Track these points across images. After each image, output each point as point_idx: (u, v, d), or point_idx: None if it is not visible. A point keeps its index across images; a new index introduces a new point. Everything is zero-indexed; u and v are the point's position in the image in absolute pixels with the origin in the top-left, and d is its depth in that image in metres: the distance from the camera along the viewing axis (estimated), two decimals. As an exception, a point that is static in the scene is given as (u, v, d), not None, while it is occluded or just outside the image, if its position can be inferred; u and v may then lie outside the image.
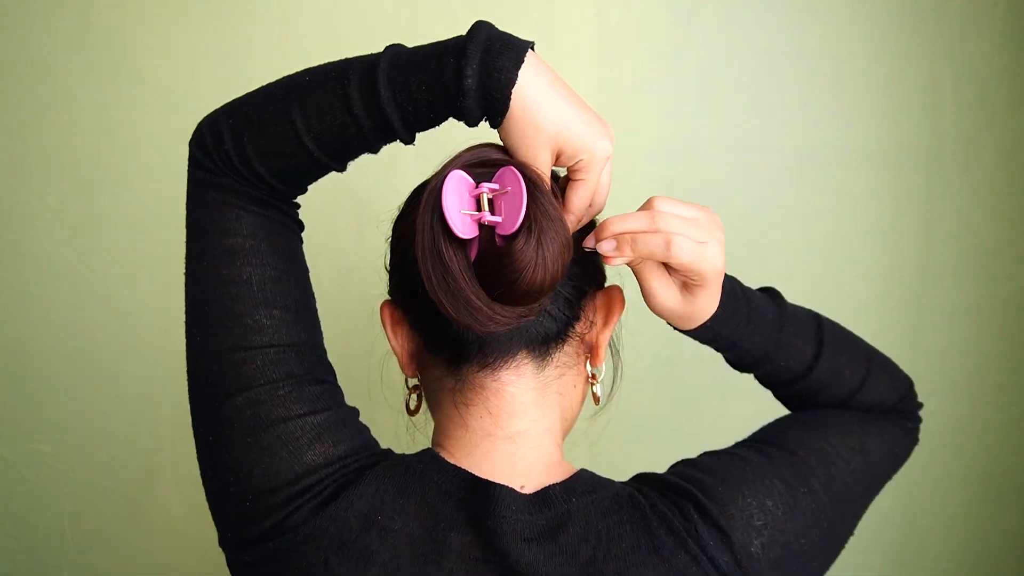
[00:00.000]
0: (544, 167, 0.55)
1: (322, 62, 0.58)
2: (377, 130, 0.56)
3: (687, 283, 0.59)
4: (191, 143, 0.61)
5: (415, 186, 0.66)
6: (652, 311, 0.61)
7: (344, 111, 0.55)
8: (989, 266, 1.23)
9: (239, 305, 0.58)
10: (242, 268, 0.58)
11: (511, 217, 0.53)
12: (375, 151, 0.59)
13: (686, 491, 0.58)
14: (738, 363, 0.70)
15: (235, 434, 0.57)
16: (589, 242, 0.59)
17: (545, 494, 0.58)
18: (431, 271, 0.53)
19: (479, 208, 0.55)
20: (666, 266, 0.59)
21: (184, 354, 0.61)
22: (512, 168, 0.54)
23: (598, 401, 0.67)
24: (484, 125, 0.56)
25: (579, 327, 0.63)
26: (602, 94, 1.20)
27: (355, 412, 0.62)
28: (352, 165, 0.61)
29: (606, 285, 0.66)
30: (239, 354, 0.58)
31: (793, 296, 0.72)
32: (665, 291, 0.59)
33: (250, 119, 0.58)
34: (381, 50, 0.56)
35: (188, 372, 0.60)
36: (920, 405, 0.77)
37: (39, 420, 1.27)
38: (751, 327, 0.65)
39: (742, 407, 0.78)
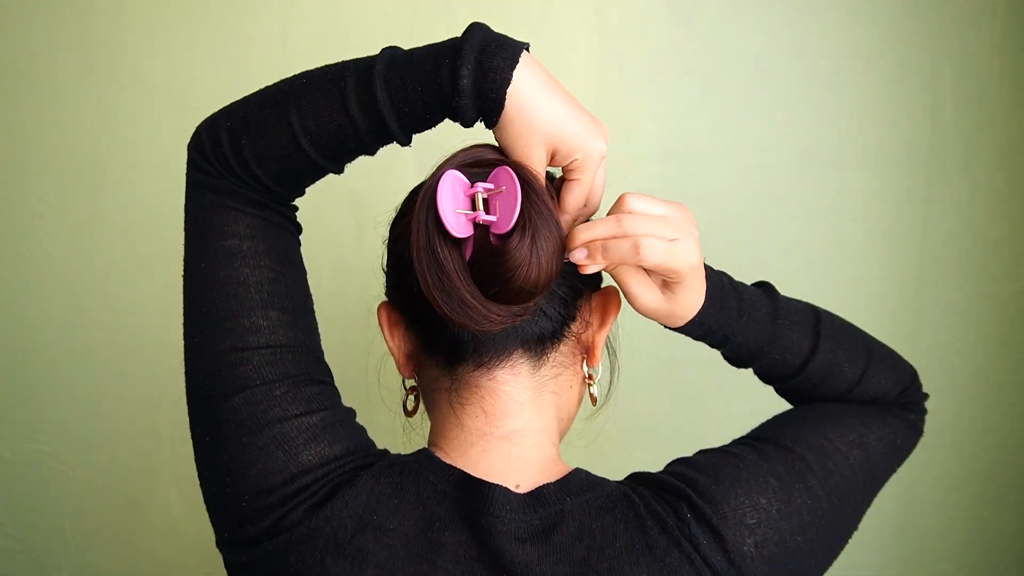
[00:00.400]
0: (539, 167, 0.56)
1: (322, 63, 0.59)
2: (374, 132, 0.56)
3: (666, 281, 0.59)
4: (189, 146, 0.61)
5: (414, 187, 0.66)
6: (637, 312, 0.61)
7: (341, 113, 0.55)
8: (989, 266, 1.23)
9: (236, 306, 0.58)
10: (239, 270, 0.59)
11: (506, 216, 0.54)
12: (372, 153, 0.59)
13: (679, 490, 0.58)
14: (734, 358, 0.70)
15: (232, 434, 0.57)
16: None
17: (539, 493, 0.58)
18: (426, 270, 0.53)
19: (474, 208, 0.55)
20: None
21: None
22: (507, 168, 0.54)
23: (595, 402, 0.67)
24: (479, 126, 0.57)
25: (575, 327, 0.63)
26: (602, 94, 1.20)
27: (352, 413, 0.62)
28: (352, 167, 0.61)
29: (603, 286, 0.66)
30: (236, 355, 0.58)
31: (793, 296, 0.72)
32: (646, 292, 0.59)
33: (247, 122, 0.58)
34: (377, 52, 0.56)
35: (186, 373, 0.61)
36: (925, 396, 0.76)
37: (39, 420, 1.28)
38: (743, 320, 0.65)
39: (742, 407, 0.78)
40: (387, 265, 0.64)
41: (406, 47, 0.57)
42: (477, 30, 0.54)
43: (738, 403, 1.24)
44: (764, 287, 0.70)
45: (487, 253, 0.54)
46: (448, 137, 0.63)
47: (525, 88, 0.53)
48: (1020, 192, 1.21)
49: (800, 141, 1.21)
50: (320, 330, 0.64)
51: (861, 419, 0.69)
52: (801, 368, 0.70)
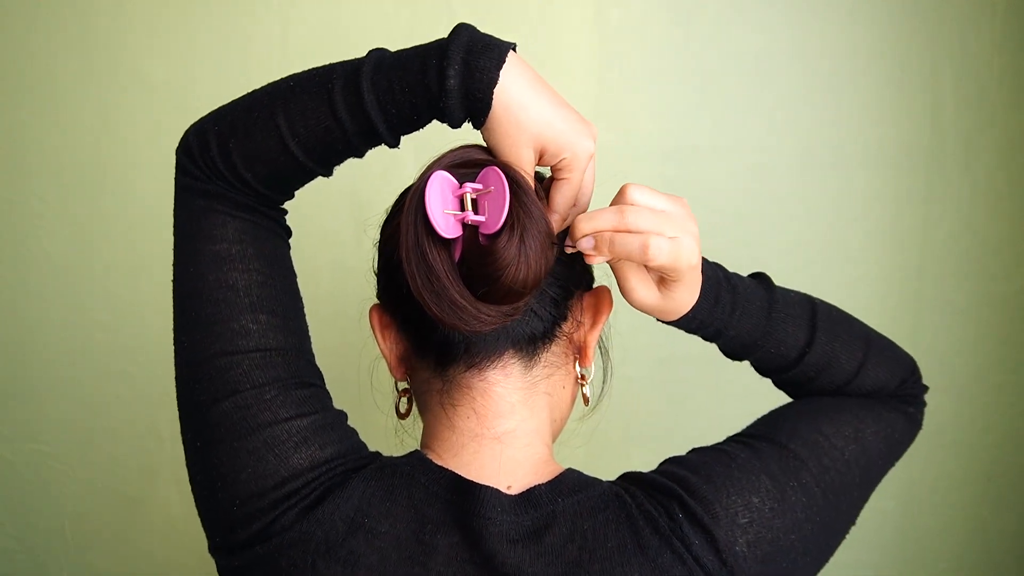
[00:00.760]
0: (527, 166, 0.56)
1: (322, 63, 0.59)
2: (361, 133, 0.56)
3: (663, 278, 0.59)
4: (178, 150, 0.61)
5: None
6: (632, 306, 0.61)
7: (328, 115, 0.56)
8: (989, 266, 1.23)
9: (226, 310, 0.58)
10: (228, 274, 0.59)
11: (494, 216, 0.54)
12: (360, 155, 0.59)
13: (671, 490, 0.58)
14: (729, 351, 0.70)
15: (223, 438, 0.57)
16: (570, 244, 0.59)
17: (530, 495, 0.58)
18: (415, 271, 0.53)
19: (463, 208, 0.55)
20: None
21: (178, 358, 0.61)
22: (495, 168, 0.54)
23: (588, 402, 0.67)
24: (467, 126, 0.57)
25: (566, 327, 0.63)
26: (602, 94, 1.20)
27: (343, 415, 0.62)
28: (351, 167, 0.61)
29: (594, 286, 0.66)
30: (226, 359, 0.58)
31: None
32: (643, 287, 0.59)
33: (235, 125, 0.58)
34: (364, 54, 0.57)
35: (176, 377, 0.61)
36: (925, 388, 0.75)
37: (39, 420, 1.28)
38: (736, 314, 0.65)
39: (739, 407, 0.78)
40: (377, 267, 0.64)
41: (406, 47, 0.57)
42: (464, 30, 0.54)
43: (735, 402, 1.24)
44: (760, 279, 0.70)
45: (476, 253, 0.54)
46: (447, 136, 0.63)
47: (512, 88, 0.53)
48: (1020, 192, 1.21)
49: (800, 141, 1.21)
50: (319, 330, 0.64)
51: (857, 413, 0.69)
52: (797, 361, 0.69)
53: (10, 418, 1.28)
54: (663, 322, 0.64)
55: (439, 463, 0.60)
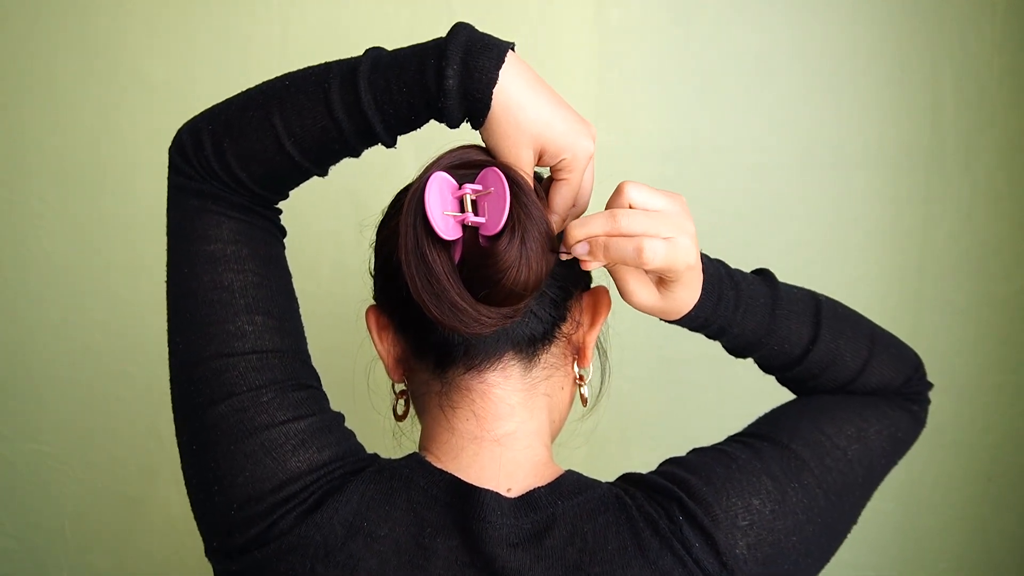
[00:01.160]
0: (526, 167, 0.55)
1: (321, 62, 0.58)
2: (358, 133, 0.56)
3: (662, 279, 0.58)
4: (171, 149, 0.60)
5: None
6: (632, 307, 0.61)
7: (325, 115, 0.55)
8: (989, 266, 1.23)
9: (221, 312, 0.58)
10: (223, 274, 0.58)
11: (494, 218, 0.53)
12: (357, 155, 0.59)
13: (671, 492, 0.58)
14: (732, 349, 0.69)
15: (219, 441, 0.57)
16: (564, 250, 0.57)
17: (530, 497, 0.58)
18: (415, 273, 0.53)
19: (462, 209, 0.54)
20: None
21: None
22: (495, 168, 0.54)
23: (586, 403, 0.66)
24: (466, 126, 0.56)
25: (566, 328, 0.62)
26: (602, 94, 1.20)
27: (340, 417, 0.62)
28: (351, 167, 0.61)
29: (592, 286, 0.66)
30: (222, 361, 0.57)
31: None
32: (642, 289, 0.58)
33: (230, 125, 0.57)
34: (361, 53, 0.56)
35: (171, 380, 0.60)
36: (929, 385, 0.75)
37: (39, 420, 1.28)
38: (740, 312, 0.64)
39: (741, 406, 0.78)
40: (374, 268, 0.64)
41: (403, 46, 0.57)
42: (462, 30, 0.54)
43: (735, 402, 1.24)
44: (764, 275, 0.69)
45: (476, 255, 0.54)
46: (448, 136, 0.63)
47: (511, 88, 0.53)
48: (1020, 192, 1.21)
49: (800, 141, 1.21)
50: (318, 331, 0.64)
51: (861, 412, 0.68)
52: (801, 358, 0.69)
53: (10, 418, 1.28)
54: (666, 321, 0.63)
55: (438, 466, 0.60)
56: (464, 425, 0.60)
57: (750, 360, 0.72)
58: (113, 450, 1.28)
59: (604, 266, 0.57)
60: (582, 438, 0.83)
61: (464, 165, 0.56)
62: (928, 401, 0.75)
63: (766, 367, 0.72)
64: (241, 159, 0.57)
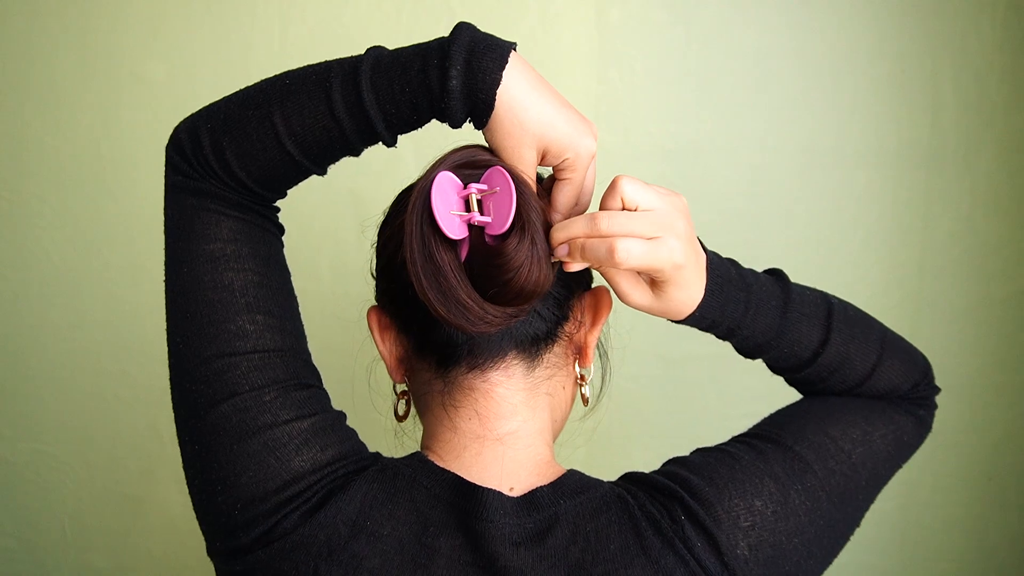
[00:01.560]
0: (529, 167, 0.55)
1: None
2: (359, 133, 0.56)
3: (654, 280, 0.57)
4: (168, 147, 0.60)
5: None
6: (631, 308, 0.60)
7: (326, 114, 0.55)
8: (989, 266, 1.23)
9: (221, 311, 0.58)
10: (223, 274, 0.58)
11: (500, 217, 0.53)
12: (357, 154, 0.59)
13: (673, 492, 0.58)
14: (742, 349, 0.69)
15: (222, 442, 0.57)
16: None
17: (533, 497, 0.58)
18: (421, 272, 0.52)
19: (468, 209, 0.54)
20: None
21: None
22: (500, 168, 0.54)
23: (587, 402, 0.66)
24: (468, 126, 0.56)
25: (568, 327, 0.62)
26: (602, 94, 1.20)
27: (342, 416, 0.62)
28: (352, 166, 0.61)
29: (594, 286, 0.66)
30: (223, 361, 0.57)
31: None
32: (634, 290, 0.58)
33: (229, 123, 0.57)
34: (362, 52, 0.56)
35: (171, 381, 0.60)
36: (936, 390, 0.74)
37: (39, 420, 1.27)
38: (750, 314, 0.63)
39: (744, 407, 0.78)
40: (376, 268, 0.63)
41: (404, 45, 0.56)
42: (465, 30, 0.54)
43: (737, 402, 1.24)
44: (777, 275, 0.68)
45: (482, 254, 0.54)
46: (449, 136, 0.63)
47: (514, 88, 0.53)
48: (1020, 192, 1.21)
49: (800, 141, 1.21)
50: (319, 329, 0.63)
51: (867, 415, 0.68)
52: (810, 361, 0.68)
53: (10, 418, 1.28)
54: (674, 322, 0.63)
55: (441, 465, 0.60)
56: (466, 424, 0.60)
57: (750, 360, 0.72)
58: (113, 450, 1.28)
59: (591, 267, 0.57)
60: (583, 438, 0.83)
61: (469, 165, 0.56)
62: (935, 406, 0.74)
63: (775, 368, 0.72)
64: (240, 157, 0.57)
